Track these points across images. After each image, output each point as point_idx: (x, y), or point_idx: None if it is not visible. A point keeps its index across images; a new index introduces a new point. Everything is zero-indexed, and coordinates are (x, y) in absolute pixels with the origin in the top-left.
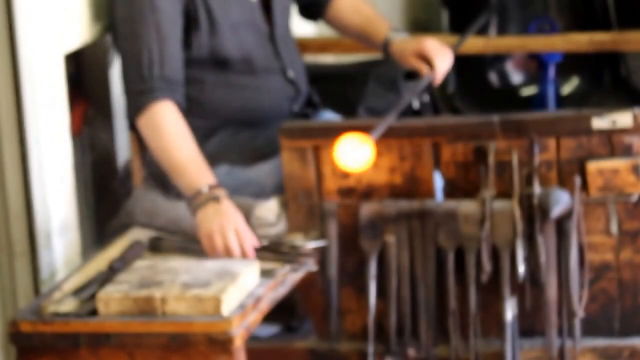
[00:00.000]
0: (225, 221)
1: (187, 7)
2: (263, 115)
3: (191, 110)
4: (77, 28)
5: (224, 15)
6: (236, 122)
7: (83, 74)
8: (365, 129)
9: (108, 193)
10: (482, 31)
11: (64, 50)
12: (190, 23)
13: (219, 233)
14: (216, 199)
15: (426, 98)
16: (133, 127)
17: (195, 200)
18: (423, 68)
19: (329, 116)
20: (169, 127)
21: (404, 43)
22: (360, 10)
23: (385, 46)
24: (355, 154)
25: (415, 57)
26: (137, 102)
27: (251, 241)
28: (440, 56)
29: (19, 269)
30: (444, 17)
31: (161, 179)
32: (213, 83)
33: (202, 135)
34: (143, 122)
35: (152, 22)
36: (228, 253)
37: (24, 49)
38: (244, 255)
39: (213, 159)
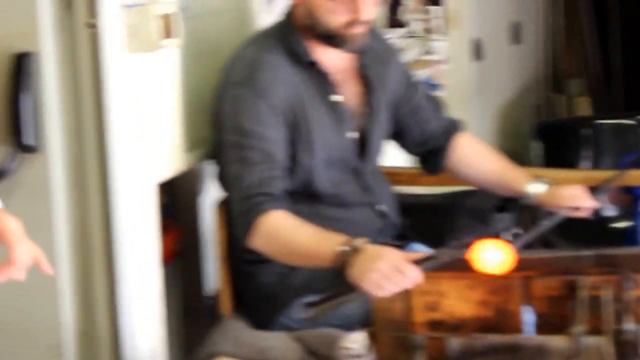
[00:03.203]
0: (378, 263)
1: (290, 136)
2: None
3: None
4: (169, 158)
5: (322, 147)
6: None
7: (175, 202)
8: (460, 263)
9: (196, 321)
10: (577, 164)
11: (157, 180)
12: (294, 152)
13: (382, 278)
14: (358, 250)
15: (518, 230)
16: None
17: (340, 265)
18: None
19: (419, 248)
20: (282, 226)
21: (555, 190)
22: (490, 157)
23: (528, 193)
24: (494, 257)
25: (567, 201)
26: (245, 222)
27: (412, 268)
28: (585, 200)
29: None
30: (534, 148)
31: (251, 310)
32: (307, 214)
33: (291, 266)
34: (257, 239)
35: (259, 147)
36: (400, 287)
37: (117, 177)
38: (413, 282)
39: (302, 289)
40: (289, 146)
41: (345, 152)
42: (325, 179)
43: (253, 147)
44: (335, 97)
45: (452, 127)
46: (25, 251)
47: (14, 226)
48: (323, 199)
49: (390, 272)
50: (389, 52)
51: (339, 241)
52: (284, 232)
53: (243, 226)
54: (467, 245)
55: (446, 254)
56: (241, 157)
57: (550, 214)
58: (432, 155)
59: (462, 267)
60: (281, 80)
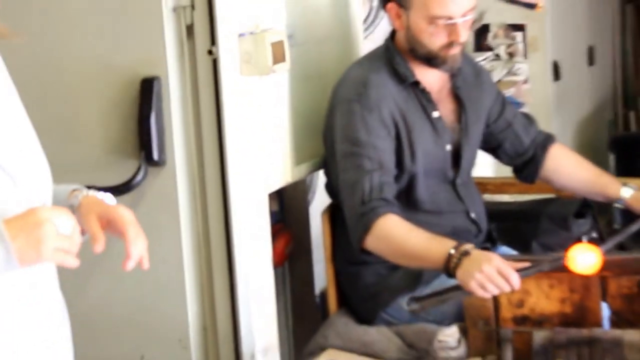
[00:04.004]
0: (484, 267)
1: (397, 148)
2: None
3: None
4: (280, 170)
5: (423, 159)
6: None
7: (286, 210)
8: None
9: (305, 318)
10: None
11: (268, 189)
12: (399, 164)
13: (486, 280)
14: (466, 254)
15: (594, 234)
16: (360, 250)
17: (451, 265)
18: None
19: (506, 251)
20: (396, 229)
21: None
22: (583, 165)
23: (621, 198)
24: (585, 259)
25: None
26: (361, 225)
27: (514, 274)
28: None
29: None
30: (610, 160)
31: (355, 307)
32: (406, 219)
33: (390, 267)
34: (371, 241)
35: (374, 156)
36: (501, 289)
37: (233, 188)
38: (513, 287)
39: (399, 289)
40: (398, 155)
41: (442, 163)
42: (424, 188)
43: (367, 155)
44: (435, 113)
45: (545, 140)
46: (137, 235)
47: (127, 213)
48: (421, 206)
49: (494, 275)
50: (479, 74)
51: (450, 245)
52: (398, 234)
53: (360, 227)
54: (561, 255)
55: (545, 263)
56: (357, 165)
57: (636, 217)
58: (526, 165)
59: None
60: (387, 97)
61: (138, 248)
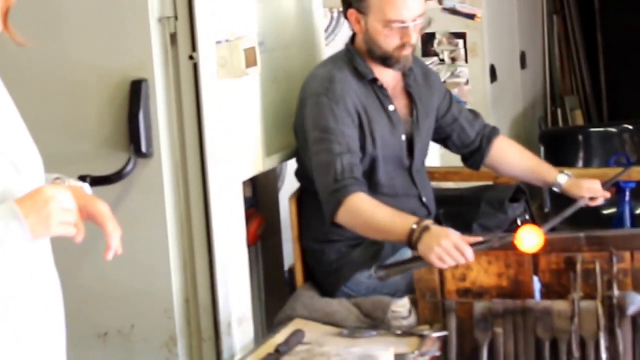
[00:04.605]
0: (443, 241)
1: (361, 137)
2: None
3: None
4: (253, 161)
5: (381, 148)
6: None
7: (258, 196)
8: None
9: (276, 292)
10: (572, 164)
11: (242, 178)
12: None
13: (444, 253)
14: (427, 229)
15: (527, 217)
16: (333, 225)
17: (413, 239)
18: (587, 200)
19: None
20: (365, 205)
21: (576, 181)
22: (525, 154)
23: (558, 184)
24: (531, 240)
25: (585, 193)
26: (334, 200)
27: (468, 249)
28: (599, 192)
29: (207, 352)
30: (538, 152)
31: (319, 281)
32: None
33: (351, 245)
34: (343, 215)
35: (343, 141)
36: (457, 262)
37: (212, 176)
38: (468, 260)
39: (358, 265)
40: (361, 142)
41: (399, 151)
42: (383, 173)
43: (337, 141)
44: (391, 107)
45: (491, 132)
46: (115, 229)
47: (105, 209)
48: (380, 189)
49: (452, 249)
50: (429, 75)
51: (412, 221)
52: (366, 210)
53: (333, 203)
54: (510, 235)
55: (495, 241)
56: (328, 149)
57: (570, 201)
58: (473, 154)
59: (502, 248)
60: (351, 91)
61: (115, 240)
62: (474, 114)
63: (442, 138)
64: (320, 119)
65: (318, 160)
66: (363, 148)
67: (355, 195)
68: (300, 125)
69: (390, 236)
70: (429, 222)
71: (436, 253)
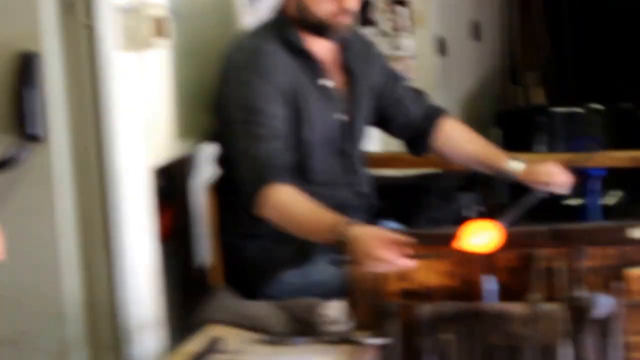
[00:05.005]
0: (373, 243)
1: (293, 115)
2: None
3: None
4: (165, 146)
5: (313, 128)
6: None
7: (172, 185)
8: (425, 237)
9: (191, 292)
10: (533, 148)
11: (152, 165)
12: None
13: (375, 256)
14: (352, 231)
15: (482, 208)
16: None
17: (339, 239)
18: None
19: (393, 226)
20: (288, 199)
21: (532, 167)
22: (472, 138)
23: (508, 171)
24: (482, 237)
25: (543, 179)
26: (256, 191)
27: (403, 259)
28: (560, 177)
29: None
30: (494, 134)
31: (239, 281)
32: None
33: (277, 241)
34: (265, 208)
35: (269, 124)
36: (391, 267)
37: (115, 163)
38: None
39: (284, 264)
40: (291, 124)
41: (334, 132)
42: (318, 158)
43: (261, 123)
44: (325, 82)
45: (435, 113)
46: None
47: None
48: (314, 177)
49: (382, 252)
50: (368, 48)
51: (337, 219)
52: (289, 205)
53: (255, 195)
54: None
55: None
56: (250, 132)
57: (528, 190)
58: (416, 138)
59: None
60: (280, 65)
61: None
62: (418, 92)
63: (383, 120)
64: (245, 97)
65: (240, 147)
66: (296, 130)
67: (277, 187)
68: (222, 105)
69: (314, 236)
70: (355, 224)
71: (366, 257)
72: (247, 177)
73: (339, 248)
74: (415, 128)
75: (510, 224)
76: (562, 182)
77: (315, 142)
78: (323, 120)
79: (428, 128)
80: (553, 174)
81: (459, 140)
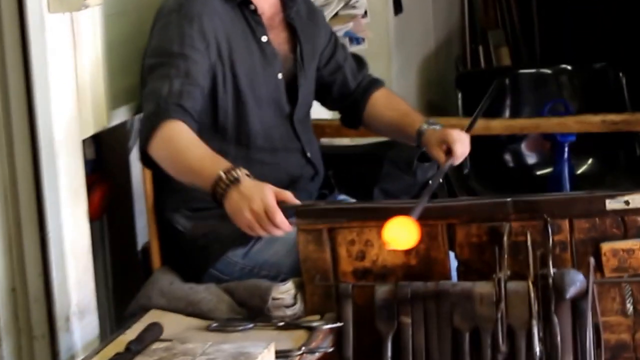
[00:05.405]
0: (253, 205)
1: (215, 68)
2: None
3: None
4: (94, 114)
5: (249, 86)
6: None
7: (103, 158)
8: (382, 212)
9: (127, 276)
10: (497, 113)
11: (82, 135)
12: (217, 86)
13: (254, 221)
14: (236, 181)
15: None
16: (146, 162)
17: (218, 191)
18: (442, 157)
19: (344, 199)
20: (182, 135)
21: (431, 133)
22: (394, 105)
23: (418, 138)
24: (402, 234)
25: (438, 146)
26: (150, 125)
27: (280, 217)
28: (459, 143)
29: (39, 352)
30: (454, 98)
31: (181, 262)
32: (234, 157)
33: (221, 216)
34: (156, 143)
35: (183, 67)
36: (270, 234)
37: (42, 134)
38: (281, 229)
39: (230, 241)
40: (224, 81)
41: (275, 92)
42: (256, 119)
43: (175, 65)
44: (264, 37)
45: (370, 84)
46: None
47: None
48: (253, 140)
49: (261, 216)
50: (314, 12)
51: (220, 167)
52: (178, 141)
53: (148, 129)
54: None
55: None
56: (162, 74)
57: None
58: (350, 110)
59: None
60: (211, 12)
61: None
62: (359, 62)
63: (319, 89)
64: (164, 41)
65: (148, 87)
66: (223, 84)
67: (174, 122)
68: (144, 57)
69: (197, 181)
70: (242, 172)
71: (243, 219)
72: (147, 110)
73: (217, 200)
74: (351, 100)
75: (420, 214)
76: (459, 152)
77: (254, 102)
78: (263, 79)
79: (359, 100)
80: (448, 138)
81: (381, 108)
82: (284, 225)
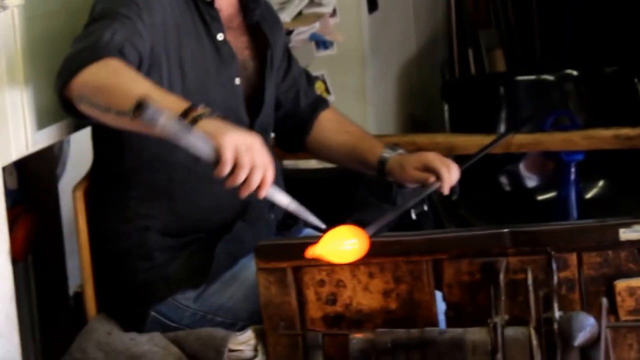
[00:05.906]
0: (249, 138)
1: (159, 60)
2: (235, 223)
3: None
4: (16, 137)
5: (200, 88)
6: (205, 230)
7: (27, 188)
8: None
9: (57, 325)
10: (490, 128)
11: (1, 163)
12: (161, 84)
13: (245, 151)
14: (219, 116)
15: (425, 207)
16: (66, 108)
17: (195, 113)
18: (429, 177)
19: (310, 233)
20: (125, 67)
21: (399, 159)
22: (347, 128)
23: (380, 164)
24: (345, 246)
25: (418, 170)
26: (77, 62)
27: (265, 155)
28: (446, 167)
29: None
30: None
31: (120, 308)
32: (180, 173)
33: (168, 250)
34: (84, 76)
35: (130, 26)
36: (252, 180)
37: None
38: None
39: (179, 282)
40: (172, 81)
41: (232, 100)
42: None
43: (122, 22)
44: (220, 36)
45: (316, 103)
46: None
47: None
48: None
49: (248, 144)
50: (275, 19)
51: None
52: (121, 68)
53: (73, 65)
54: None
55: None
56: (105, 24)
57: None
58: (291, 132)
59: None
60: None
61: None
62: (309, 79)
63: None
64: (108, 3)
65: (80, 35)
66: (168, 82)
67: (111, 59)
68: None
69: (160, 99)
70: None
71: (234, 140)
72: (72, 53)
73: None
74: (295, 120)
75: (377, 233)
76: (447, 177)
77: (205, 105)
78: (217, 82)
79: (308, 121)
80: (431, 162)
81: (331, 131)
82: (268, 164)
